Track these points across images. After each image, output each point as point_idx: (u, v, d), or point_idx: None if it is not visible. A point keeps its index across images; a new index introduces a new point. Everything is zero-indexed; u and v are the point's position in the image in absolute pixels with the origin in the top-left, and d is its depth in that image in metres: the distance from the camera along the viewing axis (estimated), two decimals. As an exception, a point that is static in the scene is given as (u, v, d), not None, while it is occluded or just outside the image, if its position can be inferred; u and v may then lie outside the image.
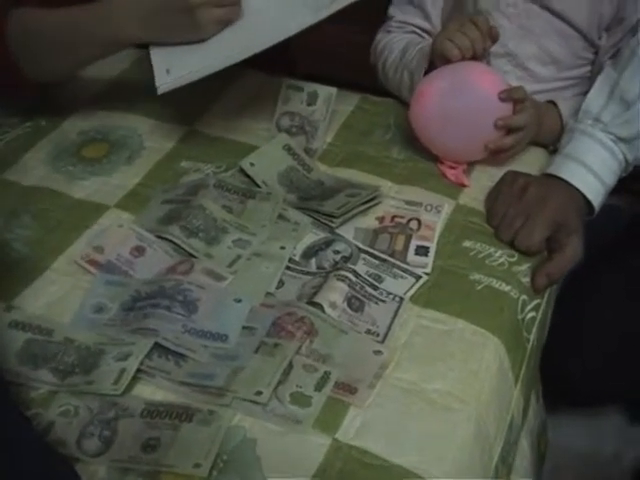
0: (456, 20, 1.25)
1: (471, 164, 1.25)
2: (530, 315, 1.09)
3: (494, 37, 1.23)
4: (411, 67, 1.34)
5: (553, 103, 1.30)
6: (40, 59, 1.24)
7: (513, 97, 1.19)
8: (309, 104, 1.30)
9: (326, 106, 1.29)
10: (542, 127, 1.27)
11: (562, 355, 1.28)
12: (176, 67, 1.18)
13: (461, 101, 1.19)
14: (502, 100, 1.19)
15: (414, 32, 1.45)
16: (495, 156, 1.23)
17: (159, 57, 1.20)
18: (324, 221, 1.16)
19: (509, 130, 1.21)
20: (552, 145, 1.28)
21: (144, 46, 1.22)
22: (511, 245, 1.13)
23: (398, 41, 1.43)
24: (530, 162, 1.26)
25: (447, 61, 1.22)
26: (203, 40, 1.19)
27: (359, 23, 1.55)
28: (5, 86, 1.28)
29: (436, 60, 1.25)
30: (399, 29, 1.46)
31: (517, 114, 1.20)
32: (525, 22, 1.33)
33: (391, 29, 1.47)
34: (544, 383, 1.23)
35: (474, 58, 1.23)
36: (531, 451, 1.15)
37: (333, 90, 1.30)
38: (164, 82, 1.17)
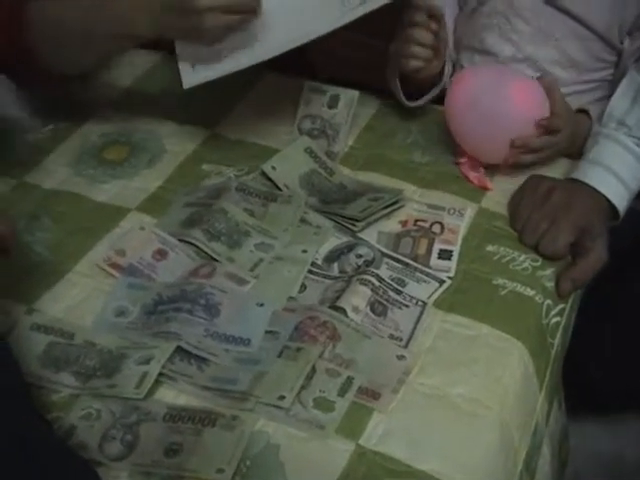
0: (399, 30, 1.25)
1: (494, 167, 1.24)
2: (554, 320, 1.08)
3: (436, 16, 1.22)
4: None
5: (586, 112, 1.29)
6: (59, 49, 1.22)
7: (548, 128, 1.19)
8: (330, 107, 1.30)
9: (348, 109, 1.29)
10: (575, 144, 1.25)
11: (584, 359, 1.27)
12: (202, 63, 1.18)
13: (494, 109, 1.18)
14: (538, 127, 1.18)
15: None
16: (512, 162, 1.22)
17: (185, 53, 1.19)
18: (346, 225, 1.15)
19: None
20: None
21: (166, 47, 1.22)
22: (535, 249, 1.12)
23: None
24: (552, 165, 1.25)
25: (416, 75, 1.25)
26: (208, 45, 1.18)
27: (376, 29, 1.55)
28: (26, 74, 1.27)
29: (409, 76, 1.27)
30: None
31: (541, 137, 1.20)
32: (543, 25, 1.32)
33: None
34: (565, 387, 1.22)
35: (437, 49, 1.23)
36: (552, 457, 1.14)
37: (355, 93, 1.30)
38: (190, 78, 1.17)
